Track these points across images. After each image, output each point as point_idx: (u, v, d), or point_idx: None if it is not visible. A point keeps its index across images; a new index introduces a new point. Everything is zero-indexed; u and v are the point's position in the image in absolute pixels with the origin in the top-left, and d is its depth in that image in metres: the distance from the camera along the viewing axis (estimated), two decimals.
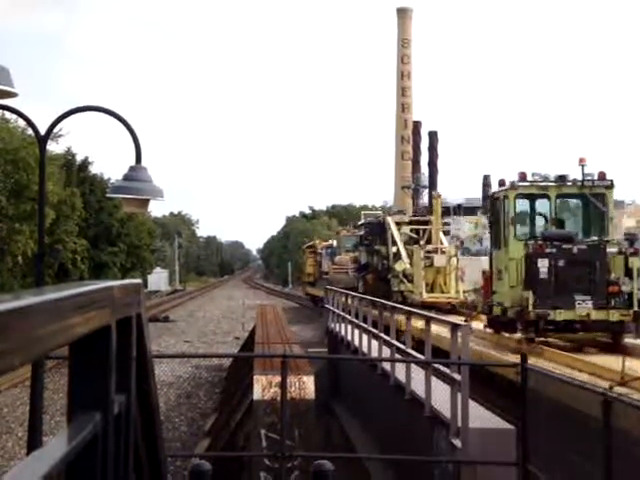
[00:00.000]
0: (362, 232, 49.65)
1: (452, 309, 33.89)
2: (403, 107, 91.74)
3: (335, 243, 68.34)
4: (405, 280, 37.35)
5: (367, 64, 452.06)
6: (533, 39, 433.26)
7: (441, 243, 38.58)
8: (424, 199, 66.98)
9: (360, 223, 51.95)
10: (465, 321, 21.92)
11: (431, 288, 35.98)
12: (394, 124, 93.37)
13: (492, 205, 24.28)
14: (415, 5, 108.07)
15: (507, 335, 22.57)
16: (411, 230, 40.67)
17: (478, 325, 24.23)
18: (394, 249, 39.36)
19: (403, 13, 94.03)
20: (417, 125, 76.08)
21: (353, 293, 28.92)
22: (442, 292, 35.99)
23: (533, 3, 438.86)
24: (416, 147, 74.05)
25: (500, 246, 23.21)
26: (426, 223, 40.74)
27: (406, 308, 20.42)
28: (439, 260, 36.37)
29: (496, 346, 22.20)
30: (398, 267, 37.68)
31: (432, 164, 69.16)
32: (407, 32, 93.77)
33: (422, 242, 38.08)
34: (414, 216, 43.92)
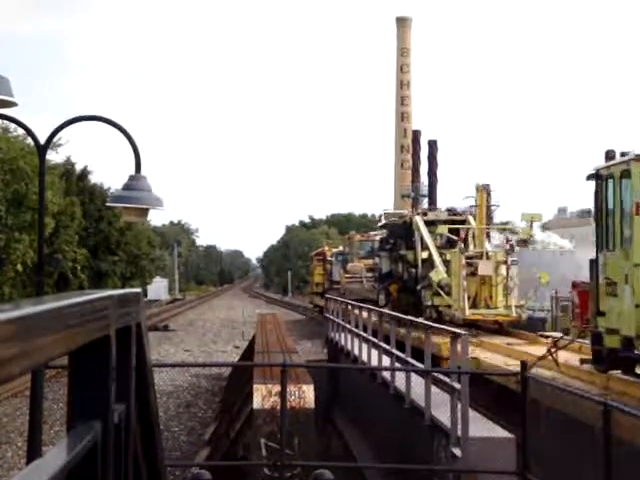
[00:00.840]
0: (381, 235, 43.71)
1: (500, 328, 29.23)
2: (402, 116, 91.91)
3: (347, 249, 61.35)
4: (441, 292, 30.53)
5: (367, 73, 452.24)
6: (532, 48, 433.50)
7: (485, 247, 31.56)
8: (424, 207, 67.06)
9: (380, 224, 42.76)
10: (549, 352, 18.85)
11: (473, 302, 29.77)
12: (394, 133, 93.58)
13: (600, 188, 17.26)
14: (414, 14, 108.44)
15: (622, 376, 16.31)
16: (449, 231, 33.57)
17: (568, 357, 19.22)
18: (424, 254, 32.87)
19: (402, 22, 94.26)
20: (416, 134, 75.93)
21: (370, 306, 25.50)
22: (488, 307, 29.84)
23: (532, 12, 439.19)
24: (416, 156, 73.92)
25: (614, 246, 16.58)
26: (463, 222, 33.63)
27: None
28: (484, 268, 30.01)
29: (615, 395, 14.72)
30: (435, 277, 30.67)
31: (432, 173, 69.01)
32: (406, 41, 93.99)
33: (460, 246, 31.05)
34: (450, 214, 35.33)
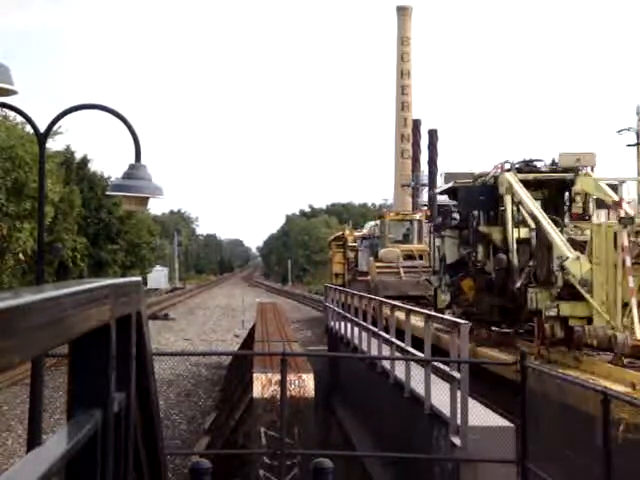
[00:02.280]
0: (444, 205, 28.66)
1: None
2: (403, 105, 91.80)
3: (376, 231, 46.76)
4: (585, 294, 17.04)
5: (367, 62, 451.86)
6: (532, 36, 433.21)
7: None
8: (423, 197, 66.99)
9: (442, 189, 26.78)
10: None
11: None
12: (394, 122, 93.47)
13: None
14: (415, 3, 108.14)
15: None
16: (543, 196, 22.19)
17: None
18: (522, 232, 20.58)
19: (403, 11, 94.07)
20: (417, 123, 76.04)
21: (422, 310, 20.46)
22: None
23: (532, 0, 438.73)
24: (416, 145, 74.02)
25: None
26: (569, 186, 21.59)
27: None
28: None
29: None
30: (575, 268, 17.26)
31: (432, 162, 69.11)
32: (407, 30, 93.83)
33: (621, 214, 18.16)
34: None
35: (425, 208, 48.85)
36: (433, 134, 70.14)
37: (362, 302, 24.69)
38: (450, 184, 24.40)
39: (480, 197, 22.40)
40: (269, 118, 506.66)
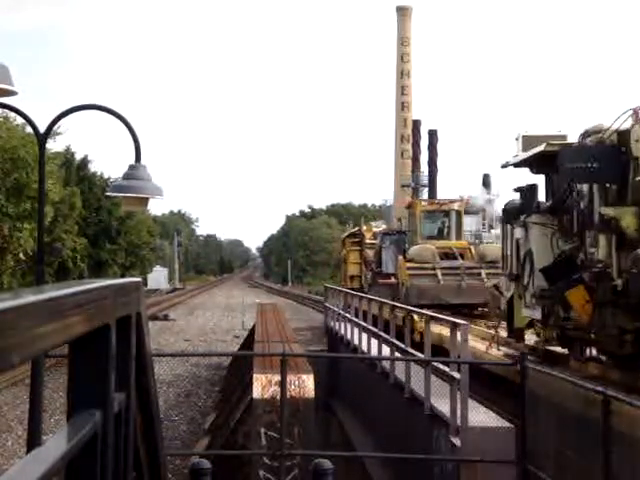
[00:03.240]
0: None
1: None
2: (403, 106, 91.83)
3: (404, 225, 40.20)
4: None
5: (367, 62, 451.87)
6: (533, 35, 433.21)
7: None
8: (424, 197, 67.02)
9: (525, 157, 17.86)
10: None
11: None
12: (394, 123, 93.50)
13: None
14: (415, 3, 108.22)
15: None
16: None
17: None
18: None
19: (403, 11, 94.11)
20: (417, 124, 76.10)
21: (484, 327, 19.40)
22: None
23: (532, 0, 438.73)
24: (416, 146, 74.08)
25: None
26: None
27: (407, 307, 18.35)
28: None
29: None
30: None
31: (432, 163, 69.21)
32: (407, 30, 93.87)
33: None
34: None
35: (466, 197, 39.79)
36: (433, 134, 70.21)
37: (384, 311, 21.36)
38: (539, 148, 16.77)
39: (595, 163, 14.29)
40: (269, 118, 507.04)
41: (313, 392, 15.66)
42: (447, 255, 32.76)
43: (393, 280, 35.22)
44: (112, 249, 72.12)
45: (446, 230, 35.78)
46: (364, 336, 22.46)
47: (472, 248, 34.25)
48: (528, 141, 18.34)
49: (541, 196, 18.06)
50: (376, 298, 24.18)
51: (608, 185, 14.50)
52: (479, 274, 30.77)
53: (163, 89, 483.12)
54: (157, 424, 2.93)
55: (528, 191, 17.97)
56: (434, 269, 31.19)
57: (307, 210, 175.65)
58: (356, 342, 23.47)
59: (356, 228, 55.86)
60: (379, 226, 55.45)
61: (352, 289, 36.88)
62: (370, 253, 45.86)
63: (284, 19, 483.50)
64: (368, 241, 48.49)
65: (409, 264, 31.97)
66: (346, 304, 27.51)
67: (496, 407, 14.53)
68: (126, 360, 2.35)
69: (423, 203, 37.66)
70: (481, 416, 12.99)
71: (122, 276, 59.56)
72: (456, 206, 35.82)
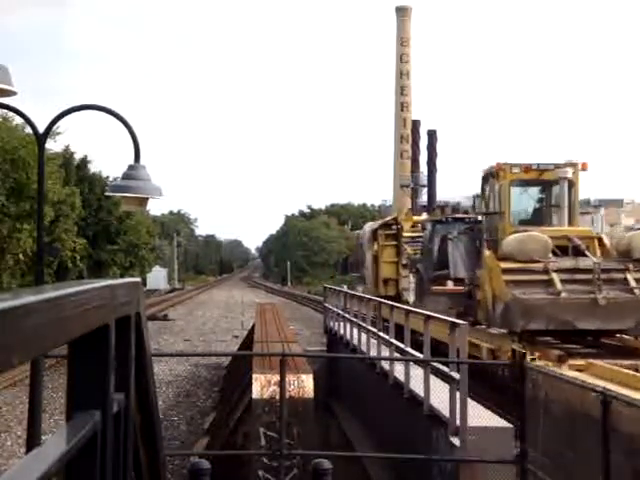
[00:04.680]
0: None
1: None
2: (402, 106, 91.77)
3: (477, 205, 26.50)
4: None
5: (366, 63, 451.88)
6: (532, 36, 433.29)
7: None
8: (423, 198, 66.98)
9: None
10: None
11: None
12: (393, 123, 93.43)
13: None
14: (414, 4, 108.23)
15: None
16: None
17: None
18: None
19: (402, 12, 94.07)
20: (416, 124, 76.00)
21: None
22: None
23: (531, 1, 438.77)
24: (415, 146, 74.01)
25: None
26: None
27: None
28: None
29: None
30: None
31: (431, 163, 69.14)
32: (406, 31, 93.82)
33: None
34: None
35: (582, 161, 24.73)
36: (432, 135, 70.17)
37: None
38: None
39: None
40: (269, 118, 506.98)
41: (312, 392, 15.66)
42: (563, 250, 20.91)
43: (458, 287, 26.04)
44: (111, 249, 72.10)
45: (546, 211, 24.01)
46: (363, 336, 22.46)
47: (605, 237, 22.47)
48: None
49: None
50: (416, 310, 19.55)
51: None
52: (624, 280, 19.65)
53: (163, 89, 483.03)
54: (156, 424, 2.93)
55: None
56: (548, 272, 19.92)
57: (306, 210, 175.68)
58: (355, 342, 23.46)
59: (390, 217, 44.27)
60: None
61: (386, 297, 28.65)
62: (409, 249, 37.12)
63: (284, 19, 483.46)
64: (407, 234, 38.28)
65: (505, 264, 20.42)
66: (345, 306, 27.39)
67: (495, 407, 14.54)
68: (125, 360, 2.35)
69: (515, 170, 23.02)
70: (480, 416, 12.99)
71: (121, 276, 59.51)
72: (569, 173, 22.82)
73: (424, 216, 40.51)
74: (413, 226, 38.76)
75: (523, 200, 24.07)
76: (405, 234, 38.70)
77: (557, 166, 23.23)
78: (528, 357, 16.17)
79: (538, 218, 23.76)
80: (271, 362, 16.39)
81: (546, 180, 23.51)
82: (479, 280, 22.53)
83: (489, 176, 24.16)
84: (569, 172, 23.10)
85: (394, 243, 39.64)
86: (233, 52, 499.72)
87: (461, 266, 26.16)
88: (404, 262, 37.83)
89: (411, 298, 33.68)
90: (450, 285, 27.43)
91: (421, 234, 35.09)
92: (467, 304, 23.92)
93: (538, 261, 20.14)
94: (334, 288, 33.35)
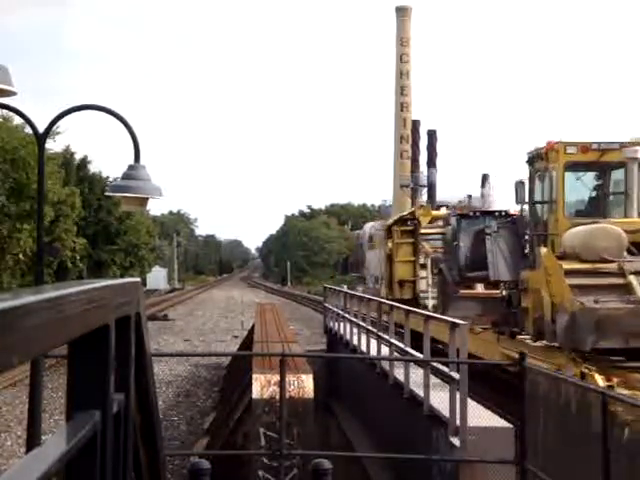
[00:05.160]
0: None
1: None
2: (402, 106, 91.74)
3: (519, 193, 20.26)
4: None
5: (366, 63, 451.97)
6: (532, 36, 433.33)
7: None
8: (423, 198, 67.02)
9: None
10: None
11: None
12: (393, 123, 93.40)
13: None
14: (414, 4, 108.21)
15: None
16: None
17: None
18: None
19: (402, 12, 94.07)
20: (416, 124, 76.12)
21: None
22: None
23: (531, 1, 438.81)
24: (415, 146, 74.08)
25: None
26: None
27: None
28: None
29: None
30: None
31: (431, 163, 69.23)
32: (406, 31, 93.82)
33: None
34: None
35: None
36: (432, 135, 70.24)
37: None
38: None
39: None
40: (268, 118, 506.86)
41: (312, 392, 15.66)
42: (638, 247, 17.49)
43: (491, 291, 23.42)
44: (111, 249, 72.14)
45: (615, 199, 20.32)
46: (363, 336, 22.45)
47: None
48: None
49: None
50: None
51: None
52: None
53: (163, 89, 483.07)
54: (156, 424, 2.93)
55: None
56: (624, 275, 16.50)
57: (306, 210, 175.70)
58: (355, 342, 23.46)
59: (407, 212, 39.89)
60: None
61: (401, 301, 26.50)
62: (427, 247, 34.65)
63: (284, 19, 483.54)
64: (425, 231, 35.35)
65: (569, 264, 16.90)
66: (345, 306, 27.38)
67: (495, 407, 14.54)
68: (125, 360, 2.35)
69: (570, 150, 19.37)
70: (480, 416, 12.99)
71: (121, 276, 59.52)
72: (639, 153, 19.09)
73: (443, 211, 36.78)
74: (431, 222, 35.93)
75: (579, 187, 20.15)
76: (424, 231, 35.49)
77: (623, 145, 19.46)
78: (602, 382, 13.90)
79: (598, 208, 19.82)
80: (271, 362, 16.39)
81: (608, 162, 19.56)
82: (527, 284, 18.74)
83: (536, 158, 20.19)
84: (638, 151, 19.12)
85: (411, 240, 35.32)
86: (233, 52, 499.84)
87: (503, 266, 21.41)
88: (422, 262, 34.86)
89: (430, 302, 31.22)
90: (479, 288, 24.65)
91: (439, 230, 33.22)
92: (505, 312, 20.47)
93: (611, 261, 16.60)
94: (334, 288, 33.30)
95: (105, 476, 2.11)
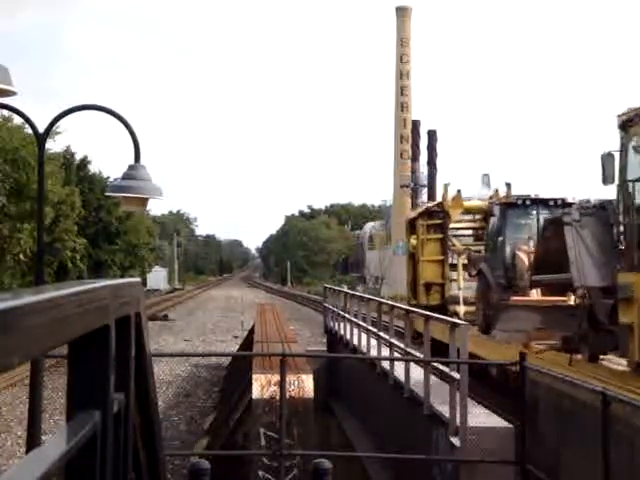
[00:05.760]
0: None
1: None
2: (402, 106, 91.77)
3: (609, 168, 14.20)
4: None
5: (366, 63, 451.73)
6: (532, 37, 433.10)
7: None
8: (423, 198, 67.02)
9: None
10: None
11: None
12: (393, 123, 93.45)
13: None
14: (414, 4, 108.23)
15: None
16: None
17: None
18: None
19: (402, 12, 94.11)
20: (416, 124, 76.09)
21: None
22: None
23: (532, 1, 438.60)
24: (415, 146, 74.08)
25: None
26: None
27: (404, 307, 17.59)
28: None
29: None
30: None
31: (431, 163, 69.22)
32: (406, 31, 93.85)
33: None
34: None
35: None
36: (432, 135, 70.22)
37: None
38: None
39: None
40: (269, 118, 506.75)
41: (312, 392, 15.66)
42: None
43: (553, 298, 18.91)
44: (111, 249, 72.17)
45: None
46: (363, 336, 22.45)
47: None
48: None
49: None
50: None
51: None
52: None
53: (163, 89, 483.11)
54: (156, 424, 2.93)
55: None
56: None
57: (306, 210, 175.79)
58: (355, 342, 23.46)
59: (434, 203, 34.15)
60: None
61: (428, 308, 23.33)
62: (458, 244, 30.03)
63: (284, 19, 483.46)
64: (455, 225, 30.42)
65: None
66: (345, 306, 27.37)
67: (495, 407, 14.54)
68: (125, 360, 2.35)
69: None
70: (480, 416, 12.99)
71: (121, 276, 59.52)
72: None
73: (476, 201, 30.60)
74: (463, 214, 30.43)
75: None
76: (453, 225, 30.37)
77: None
78: None
79: None
80: (271, 362, 16.39)
81: None
82: (632, 290, 13.44)
83: (631, 125, 14.29)
84: None
85: (439, 236, 30.08)
86: (233, 52, 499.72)
87: (591, 268, 15.44)
88: (452, 262, 29.95)
89: (462, 309, 27.20)
90: (534, 294, 20.25)
91: (469, 225, 30.03)
92: (584, 326, 15.76)
93: None
94: (334, 288, 33.31)
95: (105, 476, 2.11)
